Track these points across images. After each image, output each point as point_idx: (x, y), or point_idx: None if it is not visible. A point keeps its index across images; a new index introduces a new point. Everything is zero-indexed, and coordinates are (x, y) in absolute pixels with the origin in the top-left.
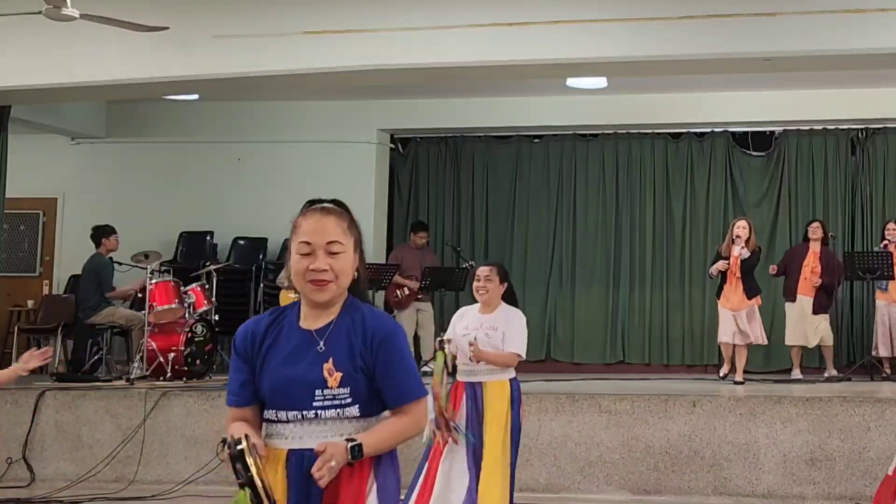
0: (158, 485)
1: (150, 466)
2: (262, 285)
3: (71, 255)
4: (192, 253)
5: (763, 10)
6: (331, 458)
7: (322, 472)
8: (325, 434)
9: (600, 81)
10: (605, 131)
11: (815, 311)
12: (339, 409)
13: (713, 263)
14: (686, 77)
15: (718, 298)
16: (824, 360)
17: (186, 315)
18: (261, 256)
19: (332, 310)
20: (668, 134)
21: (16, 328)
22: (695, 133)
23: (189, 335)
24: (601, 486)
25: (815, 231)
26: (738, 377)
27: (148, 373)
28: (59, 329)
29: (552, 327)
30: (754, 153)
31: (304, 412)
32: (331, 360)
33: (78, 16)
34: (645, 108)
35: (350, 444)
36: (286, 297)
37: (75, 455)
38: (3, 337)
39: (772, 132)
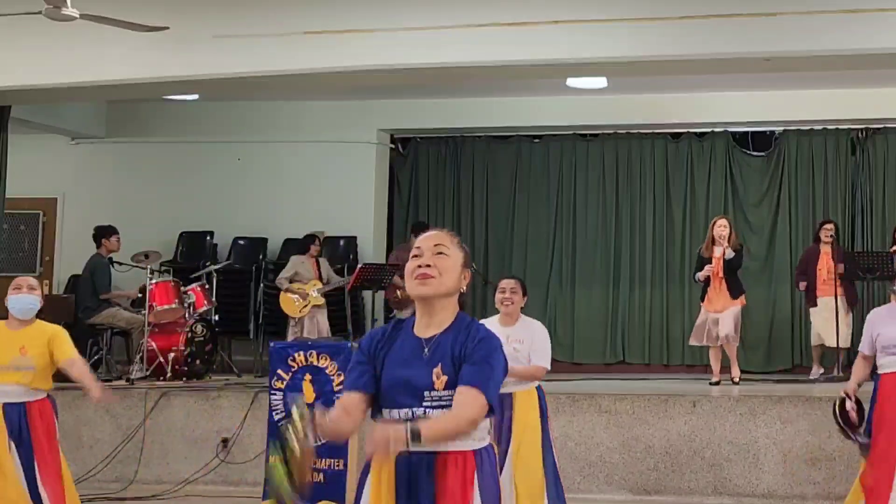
0: (158, 485)
1: (150, 466)
2: (262, 285)
3: (71, 255)
4: (192, 253)
5: (763, 10)
6: (384, 441)
7: (379, 452)
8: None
9: (600, 81)
10: (605, 131)
11: (851, 306)
12: (444, 410)
13: (696, 267)
14: (686, 77)
15: (702, 302)
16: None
17: (186, 315)
18: (261, 256)
19: (442, 321)
20: (668, 134)
21: None
22: (695, 133)
23: (189, 335)
24: (601, 486)
25: (828, 233)
26: (735, 374)
27: (148, 373)
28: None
29: (552, 327)
30: (754, 153)
31: (414, 410)
32: (440, 365)
33: (78, 16)
34: (645, 108)
35: (409, 427)
36: (286, 299)
37: (75, 455)
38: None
39: (772, 132)
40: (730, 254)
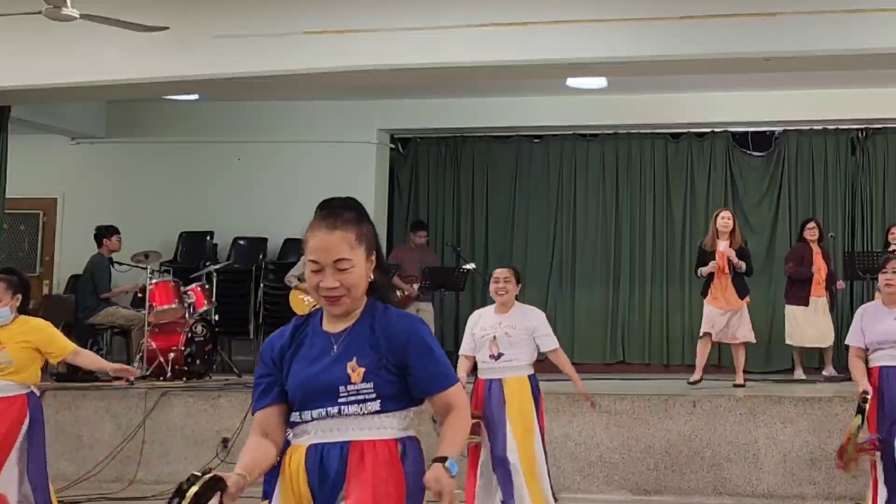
0: (158, 485)
1: (150, 466)
2: (262, 285)
3: (71, 255)
4: (192, 253)
5: (763, 10)
6: (444, 487)
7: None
8: (346, 427)
9: (600, 81)
10: (605, 131)
11: (832, 309)
12: (360, 405)
13: (698, 261)
14: (686, 77)
15: (705, 297)
16: (823, 360)
17: (186, 315)
18: (261, 256)
19: (352, 315)
20: (668, 134)
21: None
22: (695, 133)
23: (189, 335)
24: (601, 486)
25: (813, 232)
26: (739, 380)
27: (148, 373)
28: (59, 329)
29: (552, 327)
30: (754, 153)
31: (329, 408)
32: (354, 359)
33: (78, 16)
34: (645, 108)
35: (444, 464)
36: (295, 297)
37: (75, 455)
38: None
39: (772, 132)
40: (730, 252)
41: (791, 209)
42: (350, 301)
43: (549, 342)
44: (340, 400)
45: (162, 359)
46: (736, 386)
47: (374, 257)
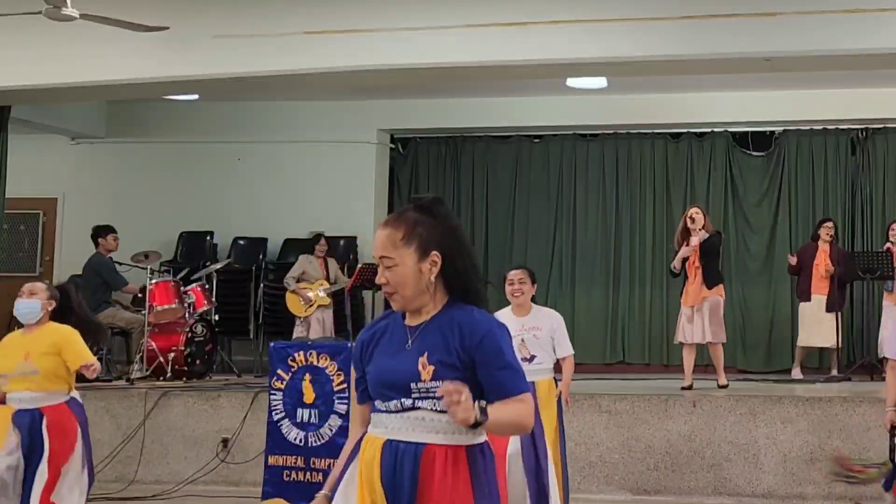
0: (158, 485)
1: (150, 466)
2: (262, 285)
3: (71, 255)
4: (192, 253)
5: (763, 10)
6: (461, 394)
7: (455, 398)
8: (421, 427)
9: (600, 81)
10: (605, 131)
11: (828, 309)
12: (434, 402)
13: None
14: (686, 77)
15: (681, 297)
16: (826, 361)
17: (186, 315)
18: (261, 256)
19: (428, 309)
20: (668, 134)
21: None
22: (695, 133)
23: (189, 335)
24: (601, 486)
25: (829, 231)
26: (721, 380)
27: (148, 373)
28: None
29: None
30: (754, 153)
31: (403, 401)
32: (426, 354)
33: (78, 16)
34: (645, 108)
35: (478, 403)
36: (293, 299)
37: None
38: (2, 337)
39: (772, 132)
40: (703, 235)
41: (791, 209)
42: (402, 299)
43: (567, 347)
44: (413, 395)
45: (162, 359)
46: (720, 387)
47: (436, 257)
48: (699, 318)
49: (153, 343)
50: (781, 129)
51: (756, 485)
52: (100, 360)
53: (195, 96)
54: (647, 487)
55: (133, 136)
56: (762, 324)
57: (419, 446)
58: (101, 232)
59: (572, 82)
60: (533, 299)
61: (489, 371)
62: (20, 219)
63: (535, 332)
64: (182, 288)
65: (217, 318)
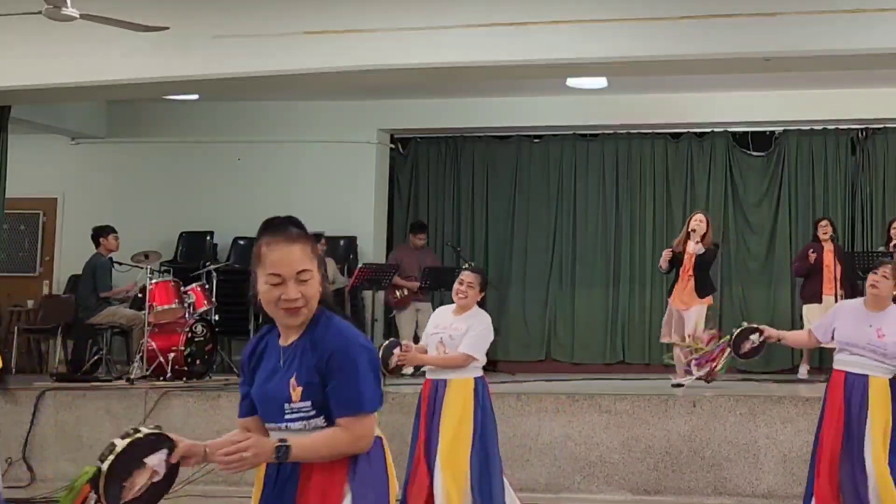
0: None
1: None
2: None
3: (71, 255)
4: (192, 253)
5: (763, 10)
6: (247, 448)
7: (228, 460)
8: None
9: (600, 81)
10: (605, 131)
11: None
12: (304, 422)
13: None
14: (686, 77)
15: (669, 297)
16: (827, 360)
17: (186, 315)
18: None
19: (300, 327)
20: (668, 134)
21: (16, 328)
22: (695, 133)
23: (189, 335)
24: (601, 486)
25: (826, 229)
26: (680, 377)
27: (148, 373)
28: (59, 329)
29: (552, 327)
30: (754, 153)
31: (278, 424)
32: (294, 375)
33: (78, 16)
34: (645, 108)
35: (278, 443)
36: None
37: (75, 455)
38: (3, 337)
39: (772, 132)
40: (699, 249)
41: (791, 209)
42: (307, 312)
43: (468, 345)
44: (286, 416)
45: (162, 359)
46: (673, 385)
47: (321, 270)
48: (685, 322)
49: (153, 343)
50: (781, 129)
51: (756, 485)
52: (100, 360)
53: (195, 96)
54: (647, 487)
55: (133, 136)
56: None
57: (296, 465)
58: (101, 232)
59: (572, 82)
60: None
61: (333, 385)
62: (20, 219)
63: (454, 332)
64: (182, 288)
65: (217, 318)
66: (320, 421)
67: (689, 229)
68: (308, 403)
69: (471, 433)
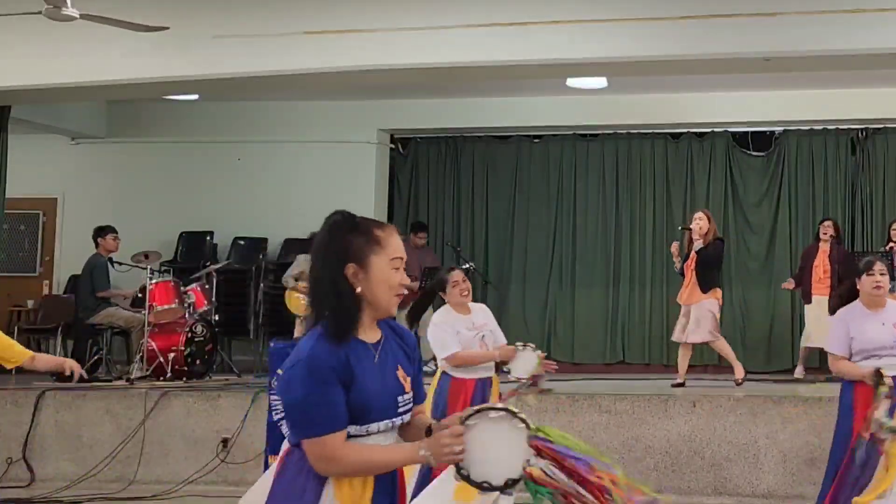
0: (158, 485)
1: (150, 466)
2: (262, 285)
3: (71, 255)
4: (192, 253)
5: (763, 10)
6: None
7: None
8: (396, 439)
9: (600, 81)
10: (605, 131)
11: (831, 312)
12: (409, 413)
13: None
14: (686, 77)
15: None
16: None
17: (186, 315)
18: (261, 256)
19: (375, 322)
20: (668, 134)
21: (16, 328)
22: (695, 133)
23: (189, 335)
24: None
25: (826, 230)
26: (680, 378)
27: (148, 373)
28: (59, 329)
29: (552, 327)
30: (754, 153)
31: (393, 420)
32: (399, 367)
33: (78, 16)
34: (645, 108)
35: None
36: (292, 297)
37: (75, 455)
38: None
39: (772, 132)
40: (698, 245)
41: (791, 209)
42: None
43: (502, 338)
44: (400, 409)
45: (162, 359)
46: (674, 385)
47: None
48: (689, 319)
49: (153, 343)
50: (781, 129)
51: (756, 485)
52: (100, 360)
53: (195, 96)
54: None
55: (133, 136)
56: (762, 324)
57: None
58: (100, 232)
59: (572, 82)
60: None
61: (418, 379)
62: (20, 219)
63: (486, 328)
64: (182, 288)
65: (217, 318)
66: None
67: (692, 228)
68: (412, 394)
69: None
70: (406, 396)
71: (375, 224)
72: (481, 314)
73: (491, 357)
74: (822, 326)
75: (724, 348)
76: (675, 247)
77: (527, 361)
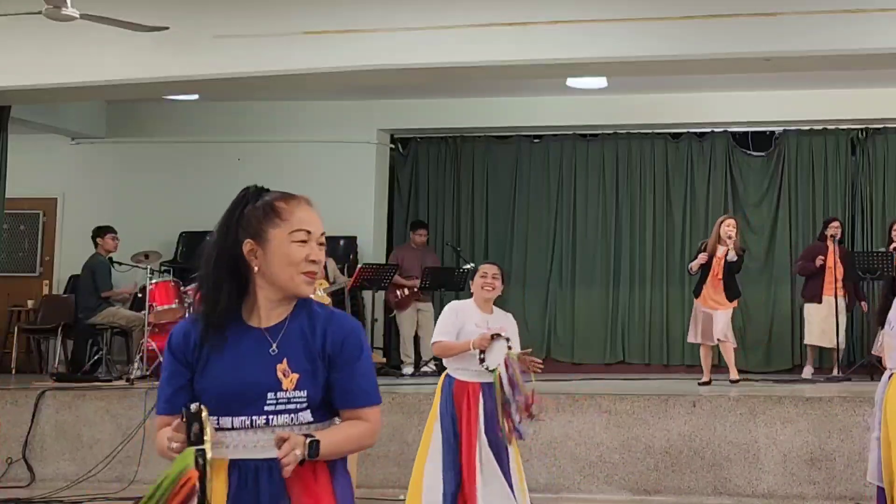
0: None
1: (150, 466)
2: None
3: (71, 255)
4: (192, 253)
5: (763, 10)
6: (294, 446)
7: (289, 459)
8: (272, 442)
9: (600, 81)
10: (605, 131)
11: (848, 309)
12: (292, 415)
13: (696, 258)
14: (686, 77)
15: (697, 297)
16: (828, 360)
17: (186, 315)
18: None
19: (287, 307)
20: (668, 134)
21: (16, 328)
22: (695, 133)
23: None
24: (601, 486)
25: (836, 230)
26: (733, 375)
27: (148, 373)
28: (59, 329)
29: (552, 327)
30: (754, 153)
31: (254, 417)
32: (285, 360)
33: (78, 16)
34: (645, 108)
35: (308, 440)
36: None
37: (75, 455)
38: (3, 337)
39: (772, 132)
40: (732, 256)
41: (791, 209)
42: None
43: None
44: (268, 408)
45: (162, 359)
46: (732, 382)
47: None
48: (714, 323)
49: (153, 343)
50: (781, 129)
51: (756, 485)
52: (100, 360)
53: (195, 96)
54: (647, 487)
55: (133, 136)
56: (762, 324)
57: (274, 463)
58: (100, 232)
59: (572, 82)
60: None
61: (348, 375)
62: (20, 219)
63: (500, 331)
64: (182, 288)
65: None
66: (307, 416)
67: (726, 236)
68: (304, 394)
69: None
70: (285, 394)
71: (280, 196)
72: (501, 319)
73: (465, 347)
74: (830, 326)
75: (730, 352)
76: (703, 258)
77: (499, 352)
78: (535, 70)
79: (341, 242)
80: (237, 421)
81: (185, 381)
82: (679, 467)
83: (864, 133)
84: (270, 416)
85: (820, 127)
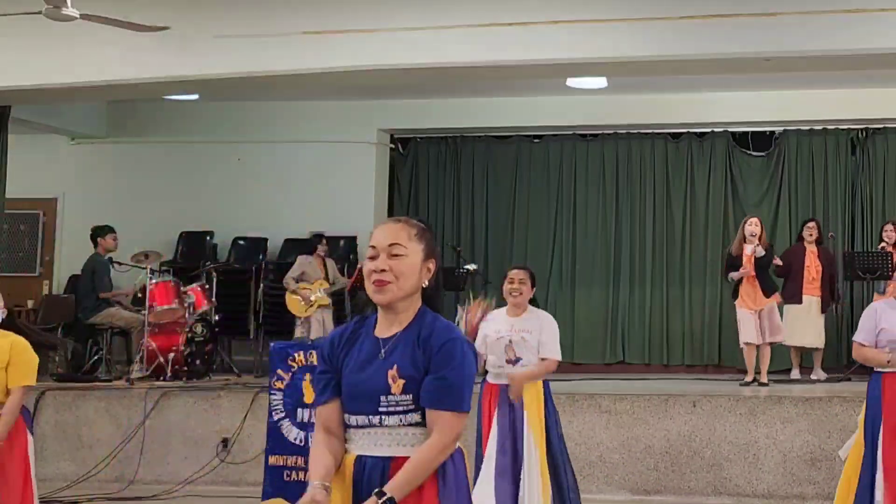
0: (158, 485)
1: (150, 466)
2: (262, 285)
3: (71, 255)
4: (192, 253)
5: (763, 10)
6: None
7: None
8: (389, 441)
9: (600, 81)
10: (605, 131)
11: (823, 310)
12: (401, 416)
13: (727, 266)
14: (686, 77)
15: (735, 300)
16: (810, 360)
17: (186, 315)
18: (261, 256)
19: (403, 318)
20: (668, 134)
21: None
22: (695, 133)
23: (189, 335)
24: (601, 486)
25: (812, 232)
26: (763, 378)
27: (148, 373)
28: (59, 329)
29: None
30: (754, 153)
31: (370, 417)
32: (395, 367)
33: (78, 16)
34: (645, 108)
35: (381, 499)
36: (292, 299)
37: (75, 455)
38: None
39: (772, 132)
40: (760, 252)
41: (791, 209)
42: (396, 290)
43: (551, 350)
44: (381, 409)
45: (162, 359)
46: (760, 385)
47: (432, 265)
48: (762, 321)
49: (153, 343)
50: (781, 129)
51: (756, 485)
52: (100, 360)
53: (195, 96)
54: (647, 487)
55: (133, 136)
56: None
57: (386, 461)
58: (100, 232)
59: (572, 82)
60: (533, 302)
61: (435, 375)
62: (20, 219)
63: (525, 334)
64: (182, 288)
65: (217, 318)
66: (417, 416)
67: (748, 234)
68: (409, 397)
69: (544, 439)
70: (394, 397)
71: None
72: (529, 321)
73: None
74: (811, 326)
75: (768, 354)
76: (744, 271)
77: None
78: (535, 70)
79: (341, 242)
80: (360, 419)
81: (332, 376)
82: (679, 467)
83: (863, 133)
84: (383, 417)
85: (820, 127)
